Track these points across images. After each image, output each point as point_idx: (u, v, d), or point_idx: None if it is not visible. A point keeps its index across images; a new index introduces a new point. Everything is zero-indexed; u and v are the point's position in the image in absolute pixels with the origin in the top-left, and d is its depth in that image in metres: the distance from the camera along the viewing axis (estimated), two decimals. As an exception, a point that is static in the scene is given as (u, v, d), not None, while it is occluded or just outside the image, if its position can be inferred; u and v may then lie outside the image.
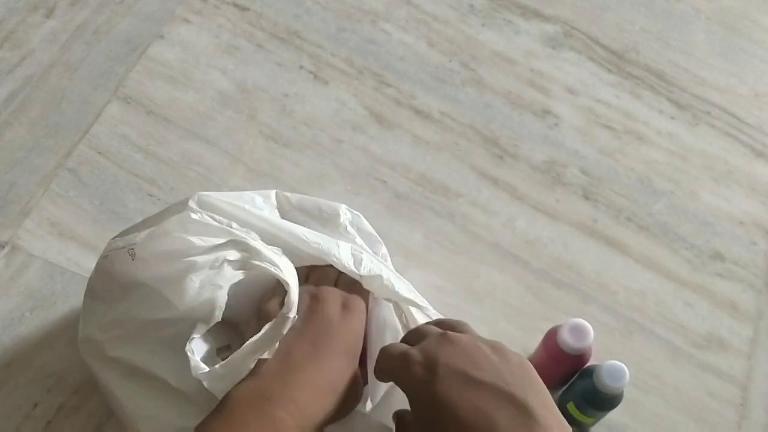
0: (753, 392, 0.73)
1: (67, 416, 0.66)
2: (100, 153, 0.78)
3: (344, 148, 0.81)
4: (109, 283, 0.56)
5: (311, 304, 0.55)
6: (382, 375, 0.50)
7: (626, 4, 0.93)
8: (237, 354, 0.49)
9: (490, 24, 0.90)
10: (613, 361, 0.62)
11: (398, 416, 0.52)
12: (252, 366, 0.50)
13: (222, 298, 0.52)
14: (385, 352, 0.50)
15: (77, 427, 0.65)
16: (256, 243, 0.54)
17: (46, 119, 0.80)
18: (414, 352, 0.48)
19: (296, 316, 0.52)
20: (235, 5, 0.88)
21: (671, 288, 0.77)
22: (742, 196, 0.83)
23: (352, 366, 0.53)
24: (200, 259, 0.52)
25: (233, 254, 0.53)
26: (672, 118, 0.87)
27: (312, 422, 0.49)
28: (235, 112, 0.82)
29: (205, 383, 0.50)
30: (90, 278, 0.59)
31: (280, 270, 0.52)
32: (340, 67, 0.85)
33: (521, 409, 0.43)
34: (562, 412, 0.68)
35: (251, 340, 0.49)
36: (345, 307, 0.56)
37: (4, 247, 0.73)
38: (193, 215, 0.55)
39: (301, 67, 0.85)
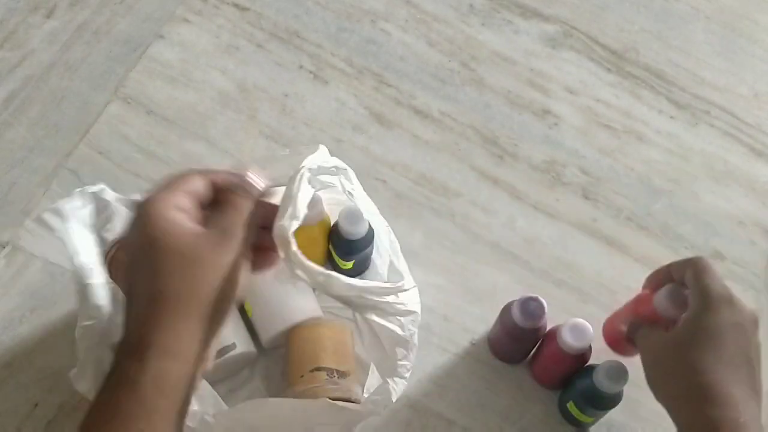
0: (752, 391, 0.73)
1: (68, 415, 0.66)
2: (100, 153, 0.78)
3: (344, 148, 0.81)
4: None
5: None
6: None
7: (626, 3, 0.94)
8: None
9: (489, 24, 0.90)
10: (612, 361, 0.62)
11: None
12: None
13: None
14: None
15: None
16: None
17: (47, 119, 0.80)
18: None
19: None
20: (235, 5, 0.88)
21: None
22: (742, 195, 0.83)
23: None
24: None
25: None
26: (671, 117, 0.87)
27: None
28: (235, 112, 0.82)
29: None
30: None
31: None
32: (340, 67, 0.86)
33: None
34: (562, 412, 0.69)
35: None
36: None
37: (4, 247, 0.73)
38: None
39: (301, 67, 0.85)
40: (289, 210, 0.45)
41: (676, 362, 0.55)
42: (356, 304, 0.50)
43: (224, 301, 0.44)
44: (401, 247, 0.66)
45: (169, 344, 0.42)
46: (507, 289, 0.75)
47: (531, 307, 0.64)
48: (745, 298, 0.77)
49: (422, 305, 0.73)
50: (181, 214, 0.45)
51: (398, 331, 0.56)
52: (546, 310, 0.64)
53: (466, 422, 0.69)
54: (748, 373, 0.54)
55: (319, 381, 0.63)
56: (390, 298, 0.51)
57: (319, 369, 0.63)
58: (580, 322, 0.64)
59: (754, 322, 0.56)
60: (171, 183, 0.46)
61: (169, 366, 0.42)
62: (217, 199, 0.47)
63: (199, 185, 0.46)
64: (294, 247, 0.44)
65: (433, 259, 0.76)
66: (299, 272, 0.45)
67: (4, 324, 0.69)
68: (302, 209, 0.45)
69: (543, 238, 0.78)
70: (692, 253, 0.79)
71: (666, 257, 0.79)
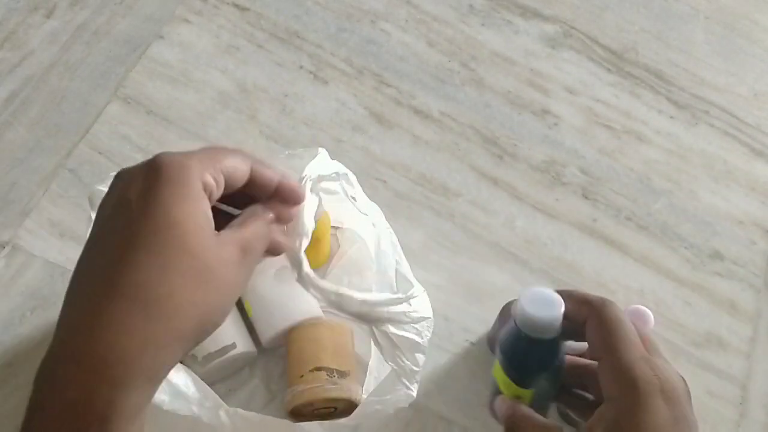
0: (752, 391, 0.73)
1: (68, 416, 0.66)
2: (100, 153, 0.78)
3: (344, 148, 0.81)
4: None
5: None
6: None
7: (626, 4, 0.94)
8: None
9: (489, 24, 0.90)
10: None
11: None
12: None
13: None
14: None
15: (78, 427, 0.65)
16: None
17: (47, 119, 0.80)
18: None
19: None
20: (235, 5, 0.88)
21: (670, 287, 0.77)
22: (741, 195, 0.83)
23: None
24: None
25: None
26: (671, 117, 0.87)
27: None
28: (235, 112, 0.82)
29: None
30: None
31: None
32: (340, 67, 0.86)
33: None
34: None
35: None
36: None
37: (4, 247, 0.73)
38: None
39: (301, 67, 0.85)
40: (297, 227, 0.44)
41: None
42: (371, 318, 0.49)
43: (209, 330, 0.35)
44: (401, 247, 0.66)
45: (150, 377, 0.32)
46: (507, 289, 0.75)
47: None
48: (745, 297, 0.77)
49: (422, 305, 0.74)
50: (206, 200, 0.34)
51: (417, 339, 0.55)
52: None
53: (466, 422, 0.69)
54: None
55: (319, 381, 0.63)
56: (402, 307, 0.51)
57: (319, 369, 0.63)
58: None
59: (686, 391, 0.40)
60: (211, 152, 0.35)
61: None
62: (244, 195, 0.38)
63: (240, 169, 0.36)
64: (306, 268, 0.43)
65: (433, 259, 0.77)
66: (312, 291, 0.44)
67: (4, 324, 0.69)
68: (309, 224, 0.45)
69: (543, 238, 0.78)
70: (692, 253, 0.79)
71: (666, 257, 0.79)
